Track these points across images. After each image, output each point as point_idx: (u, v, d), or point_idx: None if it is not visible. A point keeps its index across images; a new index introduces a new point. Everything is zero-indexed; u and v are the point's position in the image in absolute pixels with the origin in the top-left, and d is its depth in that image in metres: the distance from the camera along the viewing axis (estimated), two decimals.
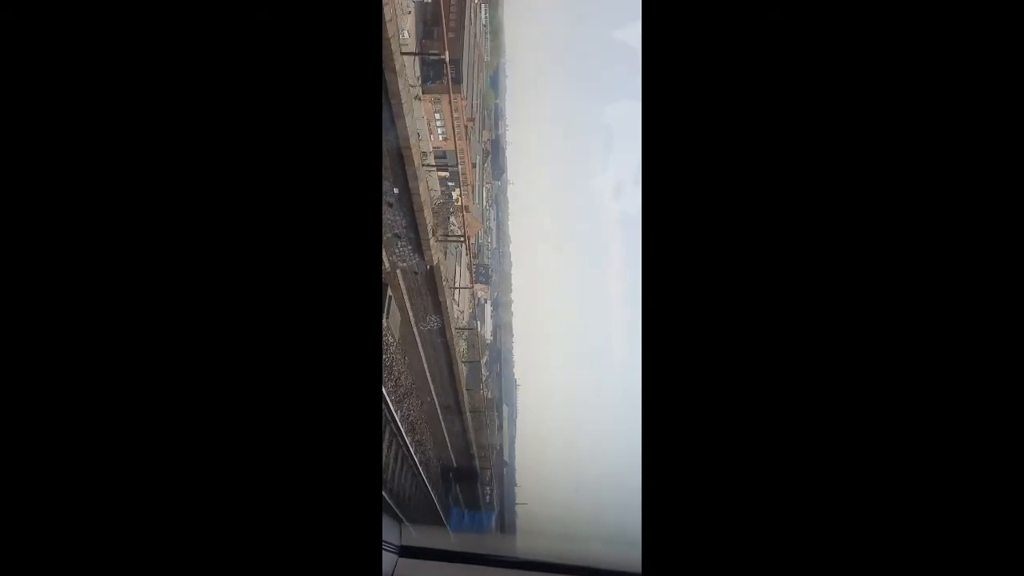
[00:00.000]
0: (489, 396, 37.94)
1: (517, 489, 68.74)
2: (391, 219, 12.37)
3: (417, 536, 2.23)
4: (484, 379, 36.96)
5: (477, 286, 29.66)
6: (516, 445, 73.04)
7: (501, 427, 48.66)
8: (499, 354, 51.83)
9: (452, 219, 16.13)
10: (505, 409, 58.19)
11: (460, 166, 16.58)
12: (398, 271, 12.47)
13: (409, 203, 11.84)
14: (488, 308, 39.62)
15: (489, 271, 33.37)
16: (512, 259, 77.14)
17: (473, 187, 24.52)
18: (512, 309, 77.81)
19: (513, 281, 75.34)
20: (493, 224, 46.09)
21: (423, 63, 15.20)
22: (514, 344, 78.79)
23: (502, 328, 58.64)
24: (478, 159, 27.41)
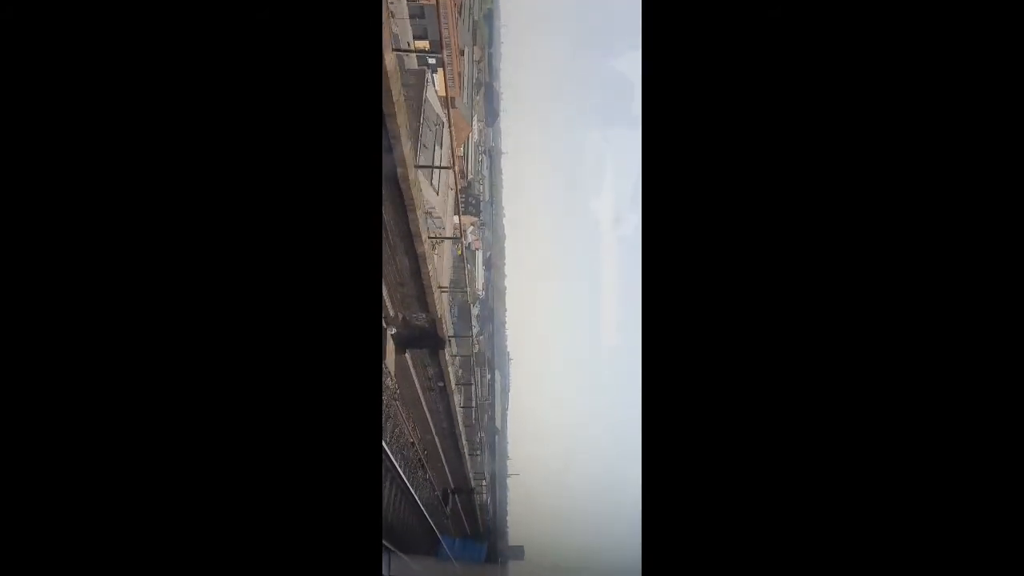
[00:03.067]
0: (478, 350, 35.62)
1: (509, 462, 67.84)
2: None
3: (407, 566, 1.90)
4: (474, 335, 34.70)
5: (466, 218, 26.90)
6: (508, 417, 72.08)
7: (493, 387, 46.59)
8: (491, 313, 49.53)
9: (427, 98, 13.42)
10: (497, 376, 56.22)
11: (443, 38, 13.73)
12: None
13: None
14: (479, 258, 37.03)
15: (480, 204, 30.65)
16: (506, 231, 74.88)
17: (461, 78, 21.64)
18: (506, 283, 75.68)
19: (507, 257, 73.28)
20: (486, 172, 43.40)
21: None
22: (507, 317, 76.91)
23: (494, 291, 56.29)
24: (467, 63, 24.45)
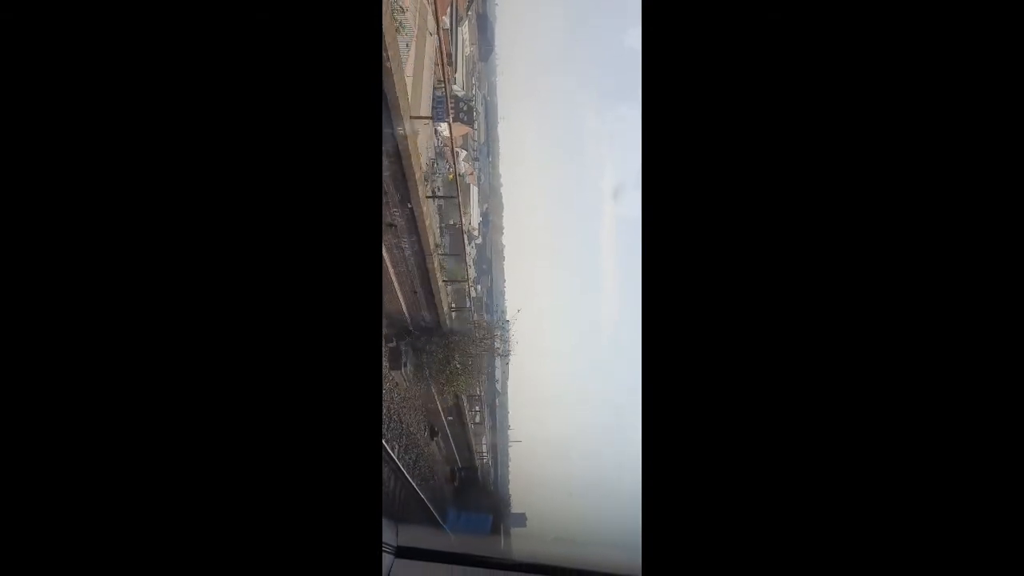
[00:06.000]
0: (476, 296, 32.97)
1: (510, 431, 66.50)
2: None
3: (413, 536, 2.17)
4: (471, 280, 32.14)
5: (456, 127, 23.92)
6: (509, 385, 70.47)
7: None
8: (489, 266, 46.93)
9: None
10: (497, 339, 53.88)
11: None
12: None
13: None
14: (475, 195, 34.18)
15: (472, 114, 27.69)
16: (503, 201, 72.03)
17: None
18: (505, 254, 73.10)
19: (505, 225, 70.51)
20: (480, 109, 40.37)
21: None
22: (506, 286, 74.71)
23: (493, 250, 53.63)
24: None
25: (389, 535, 1.97)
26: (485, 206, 45.25)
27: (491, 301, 45.14)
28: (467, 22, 28.03)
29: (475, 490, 23.07)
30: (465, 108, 24.89)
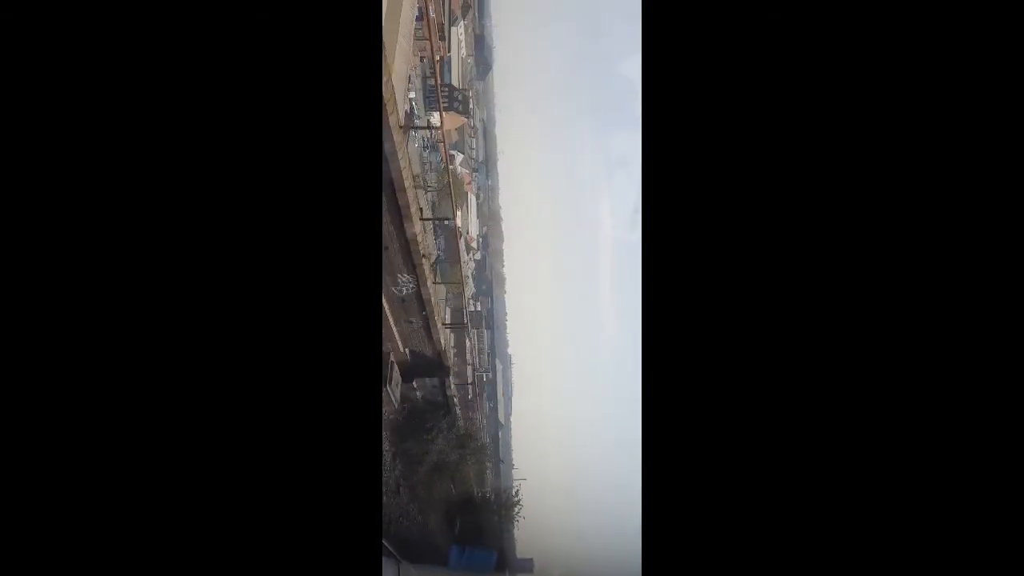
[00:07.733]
0: (474, 311, 31.35)
1: (515, 470, 63.41)
2: None
3: (416, 575, 1.90)
4: (470, 296, 30.60)
5: (450, 117, 23.01)
6: (512, 422, 67.66)
7: (493, 361, 42.15)
8: (490, 287, 45.54)
9: None
10: (499, 364, 51.94)
11: None
12: None
13: None
14: (472, 203, 33.17)
15: (468, 104, 26.78)
16: (503, 233, 71.63)
17: None
18: (506, 285, 71.93)
19: (506, 260, 69.76)
20: (478, 124, 40.03)
21: None
22: (507, 320, 72.98)
23: (494, 276, 52.44)
24: None
25: (390, 574, 1.46)
26: (484, 229, 44.33)
27: (492, 320, 43.38)
28: (462, 26, 27.81)
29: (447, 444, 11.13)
30: (460, 98, 24.10)
